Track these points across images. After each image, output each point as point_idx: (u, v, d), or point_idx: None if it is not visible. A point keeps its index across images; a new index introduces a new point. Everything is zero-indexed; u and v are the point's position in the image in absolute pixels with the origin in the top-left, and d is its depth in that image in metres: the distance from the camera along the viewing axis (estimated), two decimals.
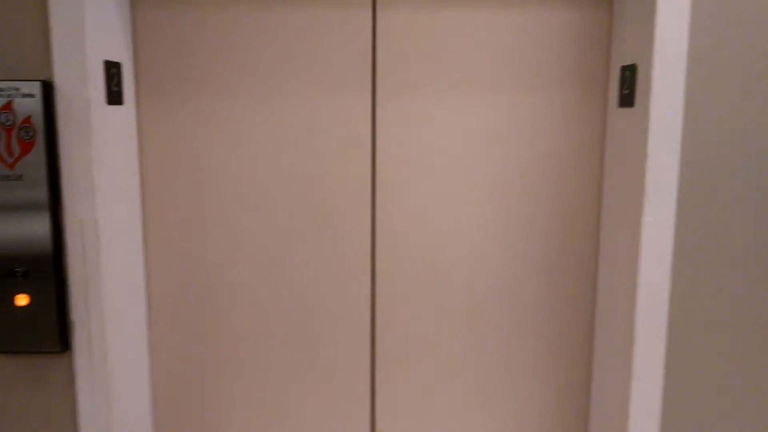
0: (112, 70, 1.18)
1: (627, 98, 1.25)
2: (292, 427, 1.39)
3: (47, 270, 1.13)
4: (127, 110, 1.25)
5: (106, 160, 1.17)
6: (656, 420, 1.26)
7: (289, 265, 1.34)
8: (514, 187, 1.34)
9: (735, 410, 1.32)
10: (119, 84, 1.22)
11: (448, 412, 1.40)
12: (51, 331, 1.15)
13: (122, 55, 1.23)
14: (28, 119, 1.10)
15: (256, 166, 1.31)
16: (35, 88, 1.10)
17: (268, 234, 1.33)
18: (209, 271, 1.34)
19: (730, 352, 1.30)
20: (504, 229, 1.35)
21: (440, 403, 1.40)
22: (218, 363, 1.37)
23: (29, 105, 1.10)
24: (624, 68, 1.26)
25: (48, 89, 1.11)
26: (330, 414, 1.39)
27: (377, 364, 1.38)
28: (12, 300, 1.14)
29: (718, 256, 1.27)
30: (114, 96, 1.20)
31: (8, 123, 1.10)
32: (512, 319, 1.38)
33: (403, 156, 1.32)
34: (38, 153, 1.11)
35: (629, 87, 1.25)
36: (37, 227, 1.12)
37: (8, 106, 1.10)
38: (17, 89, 1.09)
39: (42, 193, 1.11)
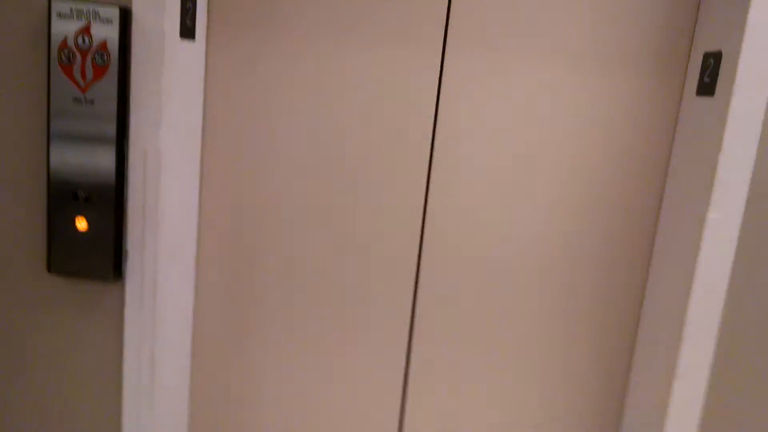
0: (188, 5, 1.18)
1: (707, 87, 1.21)
2: (324, 376, 1.41)
3: (108, 197, 1.15)
4: (197, 46, 1.25)
5: (173, 94, 1.17)
6: (695, 421, 1.24)
7: (339, 212, 1.34)
8: (575, 167, 1.31)
9: None
10: (193, 19, 1.21)
11: (479, 389, 1.40)
12: (106, 258, 1.17)
13: None
14: (104, 44, 1.10)
15: (317, 111, 1.30)
16: (113, 14, 1.10)
17: (322, 183, 1.32)
18: (261, 214, 1.34)
19: None
20: (562, 208, 1.32)
21: (472, 377, 1.39)
22: (261, 306, 1.38)
23: (106, 30, 1.10)
24: (708, 55, 1.21)
25: (126, 16, 1.11)
26: (364, 373, 1.40)
27: (416, 326, 1.38)
28: (73, 223, 1.15)
29: None
30: (187, 31, 1.19)
31: (85, 46, 1.10)
32: (558, 303, 1.36)
33: (466, 121, 1.30)
34: (110, 80, 1.11)
35: (711, 75, 1.20)
36: (103, 153, 1.13)
37: (87, 29, 1.10)
38: (97, 13, 1.10)
39: (110, 119, 1.12)
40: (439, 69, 1.28)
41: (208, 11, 1.28)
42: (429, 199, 1.33)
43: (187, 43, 1.20)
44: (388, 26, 1.26)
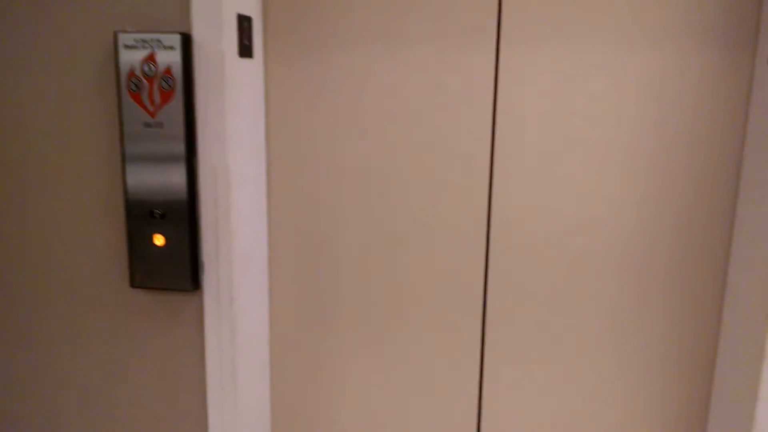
0: (244, 24, 1.23)
1: None
2: (400, 375, 1.42)
3: (182, 213, 1.21)
4: (256, 63, 1.30)
5: (237, 111, 1.22)
6: None
7: (406, 220, 1.35)
8: (642, 148, 1.26)
9: None
10: (250, 38, 1.26)
11: (557, 382, 1.38)
12: (184, 270, 1.23)
13: (253, 9, 1.27)
14: (168, 70, 1.16)
15: (378, 119, 1.32)
16: (175, 41, 1.16)
17: (386, 186, 1.34)
18: (328, 222, 1.38)
19: None
20: (635, 194, 1.28)
21: (552, 369, 1.37)
22: (334, 311, 1.42)
23: (169, 56, 1.16)
24: None
25: (187, 41, 1.17)
26: (438, 375, 1.40)
27: (487, 324, 1.37)
28: (151, 239, 1.22)
29: None
30: (245, 49, 1.24)
31: (151, 73, 1.17)
32: (632, 283, 1.32)
33: (525, 112, 1.28)
34: (177, 102, 1.17)
35: None
36: (175, 172, 1.20)
37: (151, 57, 1.17)
38: (159, 41, 1.16)
39: (179, 140, 1.18)
40: (494, 60, 1.27)
41: (264, 29, 1.32)
42: (493, 192, 1.32)
43: (246, 62, 1.25)
44: (442, 26, 1.27)
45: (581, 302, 1.34)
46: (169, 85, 1.17)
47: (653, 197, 1.28)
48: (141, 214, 1.22)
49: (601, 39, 1.24)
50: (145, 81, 1.18)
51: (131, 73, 1.18)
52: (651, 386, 1.36)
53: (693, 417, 1.36)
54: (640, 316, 1.33)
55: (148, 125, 1.19)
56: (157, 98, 1.18)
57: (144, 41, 1.17)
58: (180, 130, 1.18)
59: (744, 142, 1.24)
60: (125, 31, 1.17)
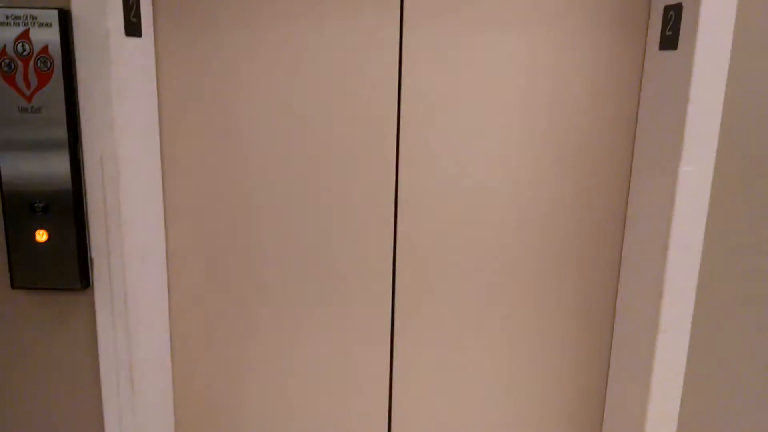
0: (130, 1, 1.14)
1: (670, 40, 1.19)
2: (310, 361, 1.39)
3: (67, 205, 1.12)
4: (145, 43, 1.21)
5: (125, 93, 1.14)
6: (680, 373, 1.25)
7: (311, 199, 1.31)
8: (543, 129, 1.29)
9: (762, 369, 1.29)
10: (138, 15, 1.17)
11: (466, 360, 1.39)
12: (71, 267, 1.14)
13: None
14: (45, 49, 1.06)
15: (278, 98, 1.27)
16: (52, 17, 1.06)
17: (290, 168, 1.30)
18: (228, 208, 1.32)
19: (762, 309, 1.27)
20: (531, 171, 1.31)
21: (459, 341, 1.39)
22: (237, 300, 1.36)
23: (46, 34, 1.06)
24: (668, 8, 1.19)
25: (65, 18, 1.07)
26: (349, 346, 1.39)
27: (397, 295, 1.36)
28: (32, 235, 1.12)
29: (757, 209, 1.22)
30: (133, 27, 1.15)
31: (25, 53, 1.07)
32: (533, 261, 1.35)
33: (430, 91, 1.27)
34: (56, 85, 1.08)
35: (673, 28, 1.18)
36: (56, 161, 1.10)
37: (25, 35, 1.06)
38: (34, 17, 1.06)
39: (60, 126, 1.09)
40: (398, 40, 1.25)
41: (154, 5, 1.24)
42: (400, 176, 1.31)
43: (133, 41, 1.16)
44: (343, 2, 1.23)
45: (485, 286, 1.36)
46: (47, 66, 1.07)
47: (550, 177, 1.31)
48: (19, 208, 1.12)
49: (500, 19, 1.24)
50: (19, 61, 1.07)
51: (2, 53, 1.07)
52: (551, 367, 1.40)
53: (591, 397, 1.42)
54: (540, 299, 1.36)
55: (24, 110, 1.08)
56: (34, 80, 1.07)
57: (16, 17, 1.06)
58: (61, 115, 1.08)
59: (636, 124, 1.29)
60: None
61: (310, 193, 1.31)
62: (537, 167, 1.30)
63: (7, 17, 1.06)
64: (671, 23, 1.18)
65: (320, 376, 1.40)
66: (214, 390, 1.41)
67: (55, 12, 1.05)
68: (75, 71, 1.09)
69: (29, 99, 1.08)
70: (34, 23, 1.06)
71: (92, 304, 1.19)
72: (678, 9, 1.16)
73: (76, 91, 1.10)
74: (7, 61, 1.07)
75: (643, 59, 1.27)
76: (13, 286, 1.15)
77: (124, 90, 1.13)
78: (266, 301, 1.36)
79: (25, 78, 1.07)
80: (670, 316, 1.22)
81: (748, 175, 1.20)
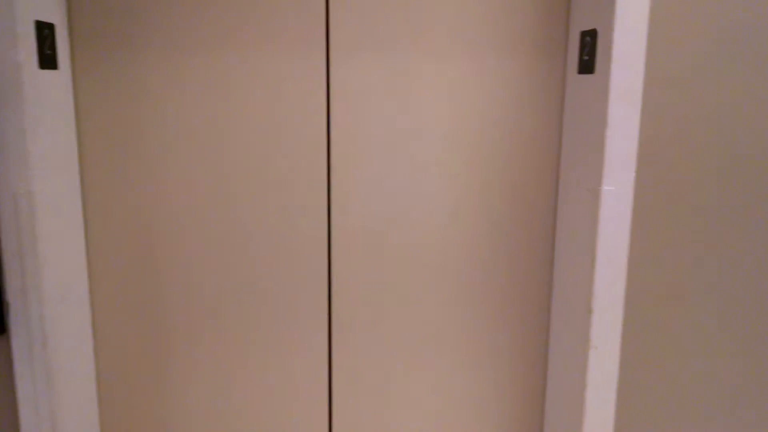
0: (45, 32, 1.10)
1: (587, 65, 1.23)
2: (248, 400, 1.35)
3: None
4: (62, 74, 1.16)
5: (40, 129, 1.09)
6: (613, 387, 1.27)
7: (241, 231, 1.28)
8: (470, 155, 1.31)
9: (691, 377, 1.34)
10: (53, 46, 1.13)
11: (403, 382, 1.38)
12: None
13: (55, 16, 1.14)
14: None
15: (203, 130, 1.24)
16: None
17: (219, 202, 1.27)
18: (155, 244, 1.28)
19: (687, 320, 1.31)
20: (461, 197, 1.32)
21: (395, 373, 1.38)
22: (166, 339, 1.31)
23: None
24: (584, 33, 1.23)
25: None
26: (287, 378, 1.36)
27: (333, 329, 1.35)
28: None
29: (677, 226, 1.27)
30: (47, 59, 1.11)
31: None
32: (467, 281, 1.36)
33: (359, 119, 1.27)
34: None
35: (589, 53, 1.22)
36: None
37: None
38: None
39: None
40: (325, 69, 1.24)
41: (71, 36, 1.19)
42: (332, 198, 1.30)
43: (49, 73, 1.12)
44: (267, 32, 1.22)
45: (419, 296, 1.36)
46: None
47: (481, 201, 1.33)
48: None
49: (424, 50, 1.26)
50: None
51: None
52: (488, 371, 1.41)
53: (530, 398, 1.43)
54: (474, 307, 1.37)
55: None
56: None
57: None
58: None
59: (560, 146, 1.33)
60: None
61: (238, 224, 1.28)
62: (467, 192, 1.32)
63: None
64: (587, 48, 1.23)
65: (256, 412, 1.36)
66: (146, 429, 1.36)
67: None
68: None
69: None
70: None
71: (9, 350, 1.12)
72: (593, 34, 1.20)
73: None
74: None
75: (564, 83, 1.31)
76: None
77: (39, 125, 1.08)
78: (197, 340, 1.32)
79: None
80: (600, 332, 1.25)
81: (667, 192, 1.25)
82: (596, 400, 1.27)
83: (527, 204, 1.34)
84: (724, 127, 1.25)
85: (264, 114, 1.25)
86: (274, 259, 1.30)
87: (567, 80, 1.30)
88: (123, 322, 1.30)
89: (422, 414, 1.40)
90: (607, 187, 1.20)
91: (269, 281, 1.31)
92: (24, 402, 1.13)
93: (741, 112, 1.25)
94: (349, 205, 1.30)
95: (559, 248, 1.35)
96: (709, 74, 1.22)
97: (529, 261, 1.37)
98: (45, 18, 1.10)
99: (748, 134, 1.26)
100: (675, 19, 1.19)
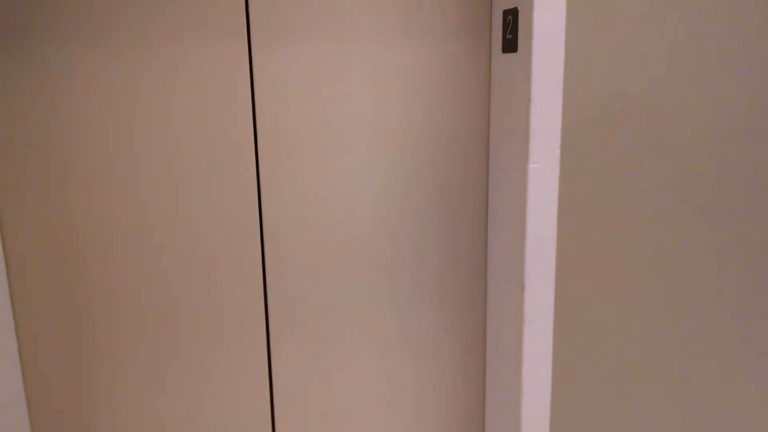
0: None
1: (510, 43, 1.24)
2: (187, 402, 1.33)
3: None
4: None
5: None
6: (548, 360, 1.30)
7: (163, 228, 1.25)
8: (401, 138, 1.30)
9: (620, 348, 1.37)
10: None
11: (345, 371, 1.38)
12: None
13: None
14: None
15: (115, 124, 1.19)
16: None
17: (138, 198, 1.23)
18: (74, 242, 1.23)
19: (616, 294, 1.34)
20: (392, 179, 1.32)
21: (336, 361, 1.37)
22: (93, 340, 1.27)
23: None
24: (506, 12, 1.24)
25: None
26: (227, 384, 1.34)
27: (271, 328, 1.33)
28: None
29: (602, 199, 1.30)
30: None
31: None
32: (404, 268, 1.36)
33: (285, 110, 1.25)
34: None
35: (512, 32, 1.23)
36: None
37: None
38: None
39: None
40: (248, 60, 1.21)
41: None
42: (262, 195, 1.27)
43: None
44: (184, 21, 1.18)
45: (355, 282, 1.35)
46: None
47: (413, 183, 1.33)
48: None
49: (349, 36, 1.24)
50: None
51: None
52: (429, 350, 1.42)
53: (470, 375, 1.45)
54: (412, 289, 1.38)
55: None
56: None
57: None
58: None
59: (489, 122, 1.34)
60: None
61: (160, 222, 1.24)
62: (398, 174, 1.31)
63: None
64: (510, 27, 1.23)
65: (191, 411, 1.34)
66: None
67: None
68: None
69: None
70: None
71: None
72: (515, 13, 1.21)
73: None
74: None
75: (490, 63, 1.31)
76: None
77: None
78: (125, 340, 1.28)
79: None
80: (534, 307, 1.27)
81: (592, 168, 1.28)
82: (532, 373, 1.30)
83: (459, 185, 1.35)
84: (648, 102, 1.27)
85: (184, 109, 1.21)
86: (204, 259, 1.27)
87: (493, 60, 1.31)
88: (47, 327, 1.25)
89: (365, 398, 1.40)
90: (534, 165, 1.22)
91: (201, 281, 1.28)
92: None
93: (663, 88, 1.28)
94: (280, 200, 1.28)
95: (492, 227, 1.36)
96: (632, 49, 1.25)
97: (464, 241, 1.38)
98: None
99: (671, 109, 1.29)
100: None
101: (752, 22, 1.30)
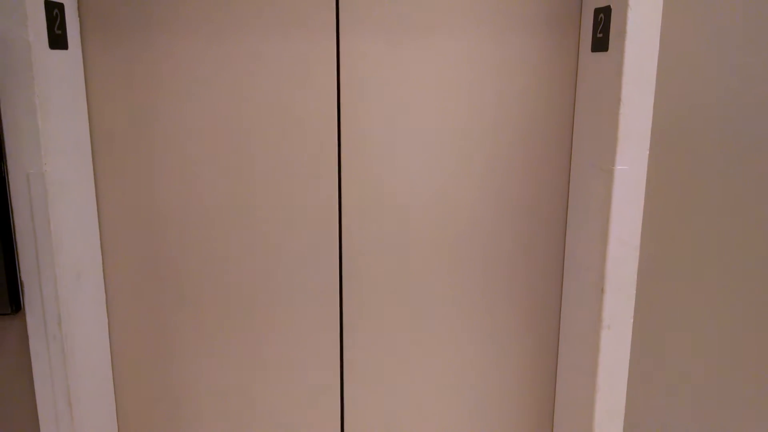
0: (54, 12, 1.10)
1: (601, 42, 1.21)
2: (259, 381, 1.37)
3: None
4: (72, 55, 1.17)
5: (52, 109, 1.09)
6: (625, 367, 1.27)
7: (252, 214, 1.29)
8: (484, 134, 1.30)
9: (702, 357, 1.33)
10: (63, 26, 1.13)
11: (416, 366, 1.39)
12: (0, 292, 1.09)
13: None
14: None
15: (214, 111, 1.24)
16: None
17: (230, 182, 1.27)
18: (167, 222, 1.28)
19: (700, 300, 1.30)
20: (472, 175, 1.31)
21: (408, 357, 1.38)
22: (181, 317, 1.33)
23: None
24: (597, 11, 1.22)
25: None
26: (299, 369, 1.37)
27: (345, 312, 1.35)
28: None
29: (690, 204, 1.26)
30: (57, 40, 1.11)
31: None
32: (479, 265, 1.36)
33: (369, 102, 1.27)
34: None
35: (603, 30, 1.21)
36: None
37: None
38: None
39: None
40: (335, 52, 1.23)
41: (81, 16, 1.19)
42: (342, 188, 1.29)
43: (59, 53, 1.12)
44: (277, 16, 1.21)
45: (432, 280, 1.36)
46: None
47: (493, 179, 1.32)
48: None
49: (436, 29, 1.24)
50: None
51: None
52: (501, 352, 1.41)
53: (540, 393, 1.44)
54: (487, 288, 1.37)
55: None
56: None
57: None
58: None
59: (573, 125, 1.31)
60: None
61: (250, 205, 1.28)
62: (479, 169, 1.31)
63: None
64: (601, 25, 1.21)
65: (270, 389, 1.37)
66: (159, 413, 1.37)
67: None
68: None
69: None
70: None
71: (24, 328, 1.14)
72: (607, 11, 1.18)
73: None
74: None
75: (577, 61, 1.29)
76: None
77: (49, 105, 1.09)
78: (211, 319, 1.33)
79: None
80: (612, 312, 1.24)
81: (680, 172, 1.24)
82: (608, 380, 1.27)
83: (540, 183, 1.33)
84: (741, 105, 1.23)
85: (274, 101, 1.24)
86: (286, 252, 1.30)
87: (580, 59, 1.28)
88: (137, 301, 1.31)
89: (436, 398, 1.41)
90: (621, 167, 1.19)
91: (281, 272, 1.31)
92: (39, 380, 1.15)
93: (757, 90, 1.23)
94: (359, 194, 1.30)
95: (571, 228, 1.34)
96: (726, 51, 1.20)
97: (542, 241, 1.36)
98: None
99: (765, 113, 1.24)
100: None
101: None
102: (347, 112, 1.26)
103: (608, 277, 1.23)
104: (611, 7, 1.17)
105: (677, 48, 1.19)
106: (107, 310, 1.31)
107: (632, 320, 1.26)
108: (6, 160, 1.07)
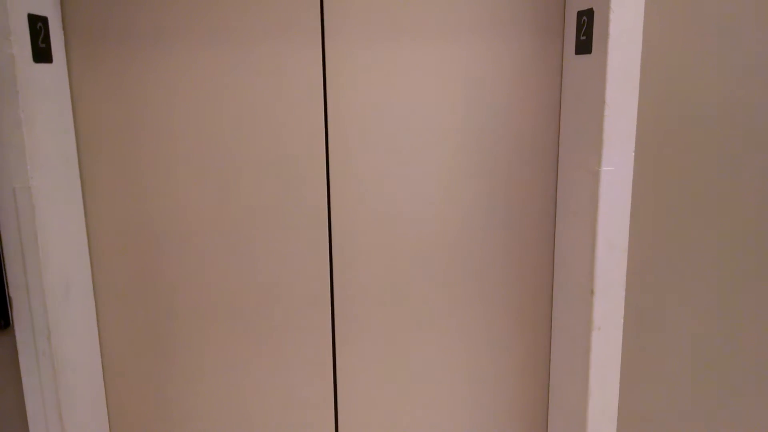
0: (38, 25, 1.09)
1: (584, 45, 1.22)
2: (251, 392, 1.36)
3: None
4: (57, 68, 1.16)
5: (37, 123, 1.09)
6: (617, 368, 1.28)
7: (241, 223, 1.29)
8: (470, 138, 1.30)
9: (692, 357, 1.34)
10: (47, 40, 1.13)
11: (409, 370, 1.39)
12: None
13: (48, 9, 1.13)
14: None
15: (199, 121, 1.24)
16: None
17: (217, 193, 1.27)
18: (157, 236, 1.28)
19: (689, 300, 1.31)
20: (460, 179, 1.32)
21: (400, 361, 1.38)
22: (172, 327, 1.32)
23: None
24: (581, 13, 1.22)
25: None
26: (291, 375, 1.36)
27: (336, 317, 1.35)
28: None
29: (677, 204, 1.27)
30: (41, 53, 1.11)
31: None
32: (469, 269, 1.36)
33: (355, 109, 1.27)
34: None
35: (586, 33, 1.22)
36: None
37: None
38: None
39: None
40: (321, 58, 1.24)
41: (66, 29, 1.19)
42: (331, 193, 1.30)
43: (43, 67, 1.11)
44: (262, 24, 1.21)
45: (420, 282, 1.36)
46: None
47: (482, 182, 1.33)
48: None
49: (420, 33, 1.25)
50: None
51: None
52: (492, 354, 1.41)
53: (534, 395, 1.44)
54: (476, 291, 1.38)
55: None
56: None
57: None
58: None
59: (559, 127, 1.32)
60: None
61: (239, 217, 1.28)
62: (467, 173, 1.32)
63: None
64: (584, 28, 1.22)
65: (263, 399, 1.37)
66: (151, 426, 1.36)
67: None
68: None
69: None
70: None
71: (14, 344, 1.13)
72: (590, 14, 1.19)
73: None
74: None
75: (562, 64, 1.30)
76: None
77: (35, 119, 1.08)
78: (203, 331, 1.32)
79: None
80: (602, 313, 1.25)
81: (666, 172, 1.25)
82: (600, 381, 1.28)
83: (528, 186, 1.34)
84: (725, 105, 1.24)
85: (261, 108, 1.24)
86: (276, 261, 1.30)
87: (565, 61, 1.29)
88: (128, 314, 1.31)
89: (429, 400, 1.41)
90: (607, 168, 1.20)
91: (272, 276, 1.31)
92: (30, 395, 1.14)
93: (742, 92, 1.24)
94: (348, 199, 1.30)
95: (559, 230, 1.35)
96: (708, 52, 1.21)
97: (531, 243, 1.36)
98: (37, 11, 1.10)
99: (750, 113, 1.25)
100: None
101: None
102: (334, 118, 1.27)
103: (597, 279, 1.23)
104: (594, 9, 1.18)
105: (660, 49, 1.20)
106: (97, 323, 1.30)
107: (622, 321, 1.27)
108: None
